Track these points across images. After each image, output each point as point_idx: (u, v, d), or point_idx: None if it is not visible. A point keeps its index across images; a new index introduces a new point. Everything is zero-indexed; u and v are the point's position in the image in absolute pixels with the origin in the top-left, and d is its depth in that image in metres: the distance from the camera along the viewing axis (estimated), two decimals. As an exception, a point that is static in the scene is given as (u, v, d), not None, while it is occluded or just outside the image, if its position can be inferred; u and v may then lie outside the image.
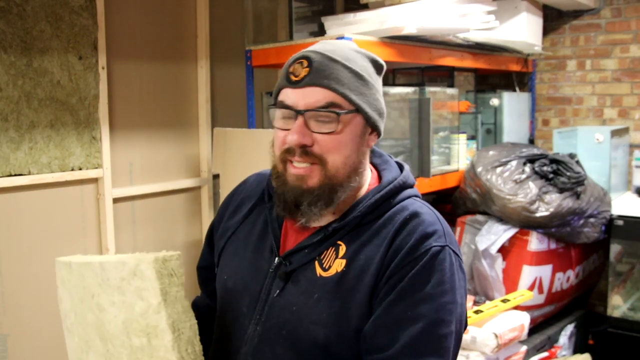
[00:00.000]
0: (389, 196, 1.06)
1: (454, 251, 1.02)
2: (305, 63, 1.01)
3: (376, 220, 1.05)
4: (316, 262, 1.05)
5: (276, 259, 1.09)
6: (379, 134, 1.07)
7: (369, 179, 1.11)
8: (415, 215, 1.03)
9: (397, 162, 1.16)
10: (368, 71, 1.05)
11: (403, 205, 1.06)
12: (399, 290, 0.97)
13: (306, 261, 1.05)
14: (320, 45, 1.05)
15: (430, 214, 1.04)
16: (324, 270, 1.03)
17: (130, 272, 0.99)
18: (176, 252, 1.01)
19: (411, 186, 1.11)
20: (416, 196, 1.10)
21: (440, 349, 0.96)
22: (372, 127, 1.05)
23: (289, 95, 1.03)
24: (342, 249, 1.04)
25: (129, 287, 1.00)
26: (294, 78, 1.02)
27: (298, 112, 1.01)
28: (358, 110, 1.02)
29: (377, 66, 1.08)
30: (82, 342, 1.12)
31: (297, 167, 1.03)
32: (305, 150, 1.01)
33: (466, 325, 1.06)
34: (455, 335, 0.99)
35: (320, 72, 1.00)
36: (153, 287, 0.96)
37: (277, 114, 1.05)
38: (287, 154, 1.03)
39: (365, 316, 0.99)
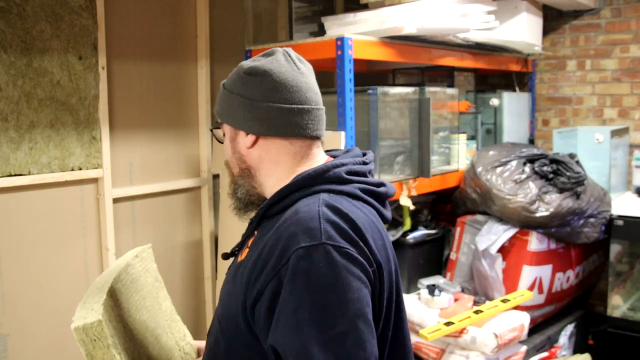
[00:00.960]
0: (294, 189, 1.08)
1: (334, 245, 0.96)
2: None
3: (280, 214, 1.08)
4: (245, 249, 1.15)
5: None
6: (262, 135, 1.13)
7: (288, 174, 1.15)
8: (293, 214, 1.02)
9: (350, 157, 1.15)
10: (230, 85, 1.17)
11: (302, 201, 1.06)
12: (280, 302, 0.97)
13: (240, 247, 1.19)
14: None
15: (308, 212, 1.01)
16: (241, 256, 1.15)
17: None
18: (97, 318, 1.11)
19: (331, 180, 1.08)
20: (333, 191, 1.06)
21: (341, 351, 0.93)
22: (243, 130, 1.15)
23: None
24: (252, 239, 1.14)
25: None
26: None
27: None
28: (222, 122, 1.20)
29: (243, 72, 1.15)
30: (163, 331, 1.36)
31: None
32: None
33: (381, 314, 1.04)
34: (353, 330, 0.94)
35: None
36: (83, 353, 1.14)
37: None
38: None
39: (241, 305, 1.05)
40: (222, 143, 1.22)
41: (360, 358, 0.94)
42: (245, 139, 1.15)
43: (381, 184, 1.16)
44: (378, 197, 1.14)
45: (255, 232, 1.14)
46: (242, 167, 1.17)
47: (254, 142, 1.14)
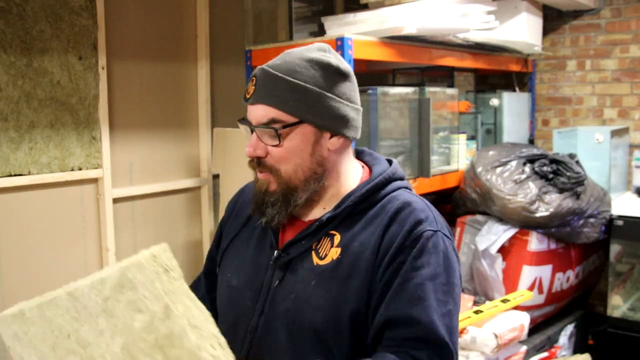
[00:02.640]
0: (379, 187, 1.14)
1: (446, 235, 1.10)
2: (254, 81, 1.11)
3: (368, 210, 1.12)
4: (313, 252, 1.11)
5: (275, 252, 1.15)
6: (346, 137, 1.12)
7: (356, 175, 1.19)
8: (407, 204, 1.10)
9: (387, 159, 1.24)
10: (316, 81, 1.08)
11: (393, 196, 1.13)
12: (403, 273, 1.04)
13: (303, 251, 1.12)
14: (273, 60, 1.12)
15: (420, 203, 1.12)
16: (321, 258, 1.10)
17: (115, 287, 0.86)
18: (162, 244, 0.91)
19: (400, 178, 1.18)
20: (406, 188, 1.18)
21: (451, 325, 1.04)
22: (331, 132, 1.10)
23: (247, 111, 1.14)
24: (337, 238, 1.11)
25: (117, 304, 0.86)
26: (247, 95, 1.12)
27: (251, 128, 1.11)
28: (303, 121, 1.08)
29: (333, 72, 1.10)
30: None
31: (261, 174, 1.13)
32: (259, 161, 1.12)
33: (459, 303, 1.13)
34: (455, 310, 1.07)
35: (262, 89, 1.09)
36: (151, 292, 0.83)
37: (244, 127, 1.15)
38: (251, 163, 1.14)
39: (362, 300, 1.05)
40: (275, 146, 1.08)
41: (454, 336, 1.05)
42: (330, 141, 1.11)
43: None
44: None
45: (335, 232, 1.11)
46: (317, 172, 1.11)
47: (342, 144, 1.12)
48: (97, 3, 2.25)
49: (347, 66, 1.13)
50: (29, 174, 2.13)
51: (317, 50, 1.13)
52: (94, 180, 2.32)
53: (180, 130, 2.65)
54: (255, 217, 1.19)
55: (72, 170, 2.24)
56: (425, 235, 1.06)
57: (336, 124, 1.10)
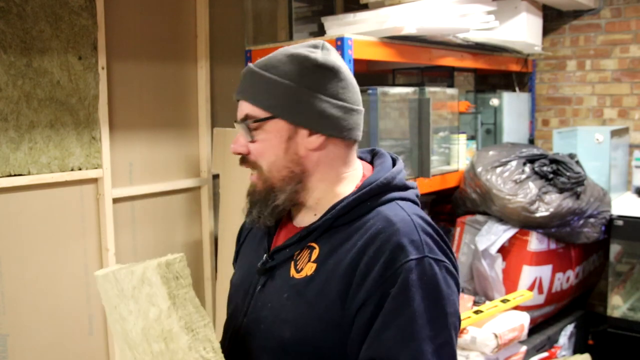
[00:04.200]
0: (366, 198, 1.03)
1: (435, 259, 0.97)
2: (241, 78, 1.09)
3: (351, 223, 1.03)
4: (292, 262, 1.07)
5: (264, 255, 1.13)
6: (329, 135, 1.04)
7: (354, 181, 1.09)
8: (389, 224, 0.99)
9: (392, 157, 1.15)
10: (291, 75, 1.02)
11: (379, 211, 1.02)
12: (386, 312, 0.95)
13: (285, 259, 1.08)
14: (261, 58, 1.09)
15: (405, 222, 0.99)
16: (297, 271, 1.05)
17: (139, 280, 1.00)
18: (180, 254, 1.00)
19: (399, 188, 1.06)
20: (403, 198, 1.06)
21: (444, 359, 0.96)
22: (308, 129, 1.03)
23: None
24: (315, 252, 1.04)
25: (140, 294, 1.00)
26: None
27: (237, 124, 1.08)
28: (274, 116, 1.02)
29: (313, 67, 1.02)
30: (120, 352, 1.15)
31: (252, 176, 1.10)
32: (243, 158, 1.08)
33: (459, 328, 1.04)
34: (449, 341, 0.98)
35: (243, 86, 1.07)
36: (160, 292, 0.96)
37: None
38: (240, 161, 1.10)
39: (332, 322, 0.99)
40: (253, 141, 1.05)
41: None
42: (308, 139, 1.03)
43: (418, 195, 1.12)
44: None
45: (315, 245, 1.05)
46: (294, 171, 1.04)
47: (322, 143, 1.03)
48: (97, 3, 2.25)
49: (336, 63, 1.04)
50: (29, 174, 2.13)
51: (307, 46, 1.08)
52: (94, 180, 2.32)
53: (180, 130, 2.65)
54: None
55: (72, 170, 2.24)
56: (407, 267, 0.95)
57: (313, 121, 1.02)
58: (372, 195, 1.03)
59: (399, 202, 1.04)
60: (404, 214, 1.01)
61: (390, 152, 1.17)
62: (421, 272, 0.95)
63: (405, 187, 1.08)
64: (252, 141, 1.05)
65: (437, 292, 0.96)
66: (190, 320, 0.96)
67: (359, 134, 1.09)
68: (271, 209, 1.07)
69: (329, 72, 1.03)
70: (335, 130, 1.03)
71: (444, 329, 0.96)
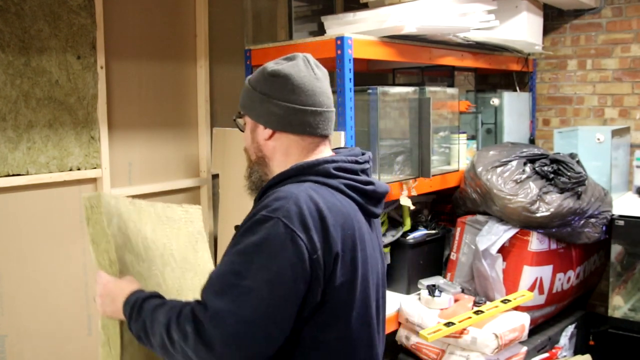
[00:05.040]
0: (286, 177, 1.25)
1: (285, 224, 1.11)
2: None
3: (269, 195, 1.21)
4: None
5: None
6: (275, 129, 1.29)
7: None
8: (278, 192, 1.18)
9: (353, 155, 1.32)
10: (254, 82, 1.32)
11: (285, 185, 1.23)
12: (227, 249, 1.17)
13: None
14: (260, 59, 1.42)
15: (289, 193, 1.16)
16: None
17: (159, 210, 1.63)
18: (98, 193, 1.41)
19: (320, 173, 1.23)
20: (319, 182, 1.22)
21: (224, 292, 1.09)
22: (262, 124, 1.31)
23: None
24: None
25: (157, 217, 1.62)
26: None
27: None
28: (244, 114, 1.36)
29: (267, 75, 1.29)
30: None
31: None
32: None
33: (275, 297, 1.10)
34: (257, 295, 1.08)
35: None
36: (84, 217, 1.38)
37: None
38: None
39: None
40: (242, 131, 1.39)
41: (223, 300, 1.08)
42: (263, 132, 1.31)
43: (369, 183, 1.29)
44: (364, 193, 1.28)
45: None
46: (258, 155, 1.34)
47: (271, 135, 1.30)
48: (96, 2, 2.24)
49: (288, 72, 1.27)
50: (27, 174, 2.12)
51: (282, 58, 1.33)
52: (93, 180, 2.31)
53: (180, 130, 2.64)
54: None
55: (71, 170, 2.23)
56: (258, 218, 1.14)
57: (263, 118, 1.30)
58: (292, 175, 1.25)
59: (310, 183, 1.21)
60: (298, 189, 1.18)
61: (367, 152, 1.37)
62: (264, 225, 1.12)
63: (330, 175, 1.24)
64: (243, 130, 1.38)
65: (266, 246, 1.11)
66: (97, 236, 1.36)
67: (310, 129, 1.29)
68: (250, 182, 1.38)
69: (278, 80, 1.28)
70: (280, 125, 1.28)
71: (255, 277, 1.09)
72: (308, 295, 1.13)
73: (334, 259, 1.15)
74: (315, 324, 1.17)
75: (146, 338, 1.19)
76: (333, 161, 1.25)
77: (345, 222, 1.19)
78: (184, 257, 1.64)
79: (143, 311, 1.19)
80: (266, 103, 1.29)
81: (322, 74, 1.32)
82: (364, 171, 1.31)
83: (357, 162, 1.29)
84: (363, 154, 1.34)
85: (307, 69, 1.29)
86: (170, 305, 1.17)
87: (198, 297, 1.15)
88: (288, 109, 1.27)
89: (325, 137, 1.32)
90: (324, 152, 1.31)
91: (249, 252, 1.11)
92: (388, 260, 2.68)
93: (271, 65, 1.30)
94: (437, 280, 2.70)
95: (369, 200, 1.29)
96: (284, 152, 1.31)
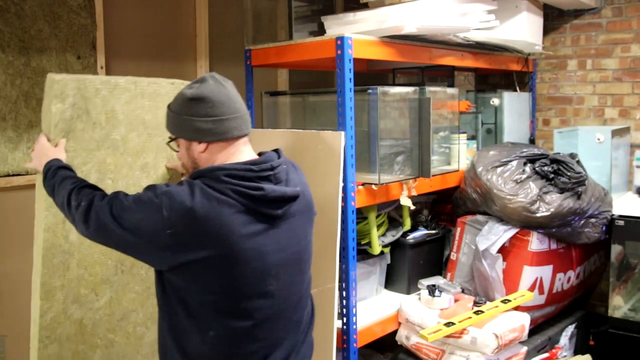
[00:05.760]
0: (192, 177, 1.49)
1: (156, 195, 1.41)
2: None
3: None
4: None
5: None
6: (207, 142, 1.50)
7: None
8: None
9: (254, 163, 1.51)
10: (176, 108, 1.53)
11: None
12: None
13: None
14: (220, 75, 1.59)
15: (172, 187, 1.43)
16: None
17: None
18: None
19: (213, 177, 1.44)
20: (207, 184, 1.43)
21: (115, 203, 1.45)
22: (195, 141, 1.51)
23: None
24: None
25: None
26: None
27: None
28: (177, 137, 1.56)
29: (185, 99, 1.51)
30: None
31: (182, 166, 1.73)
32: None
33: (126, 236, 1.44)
34: (131, 217, 1.42)
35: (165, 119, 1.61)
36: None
37: None
38: None
39: None
40: (177, 152, 1.60)
41: (118, 224, 1.43)
42: (198, 146, 1.51)
43: (259, 188, 1.45)
44: (252, 197, 1.44)
45: None
46: (194, 167, 1.55)
47: (205, 148, 1.51)
48: (96, 2, 2.24)
49: (202, 93, 1.49)
50: (27, 173, 2.12)
51: (192, 82, 1.55)
52: (93, 180, 2.30)
53: (180, 130, 2.63)
54: None
55: (71, 170, 2.23)
56: (154, 185, 1.47)
57: (196, 135, 1.50)
58: (195, 177, 1.48)
59: (201, 184, 1.43)
60: (187, 182, 1.45)
61: (280, 160, 1.56)
62: (146, 190, 1.46)
63: (219, 181, 1.44)
64: (177, 151, 1.60)
65: (141, 200, 1.43)
66: (44, 111, 1.71)
67: (235, 132, 1.51)
68: None
69: (199, 101, 1.49)
70: (211, 137, 1.50)
71: (135, 211, 1.43)
72: (167, 252, 1.42)
73: (195, 242, 1.40)
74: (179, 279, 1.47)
75: (52, 195, 1.59)
76: (225, 169, 1.46)
77: (215, 219, 1.40)
78: (157, 123, 1.90)
79: (56, 176, 1.58)
80: (195, 122, 1.49)
81: (230, 85, 1.56)
82: (265, 177, 1.48)
83: (251, 170, 1.46)
84: (274, 161, 1.53)
85: (217, 86, 1.52)
86: (75, 180, 1.57)
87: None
88: (215, 122, 1.49)
89: (243, 136, 1.54)
90: (244, 152, 1.54)
91: (139, 199, 1.44)
92: (388, 261, 2.68)
93: (188, 91, 1.51)
94: (437, 280, 2.70)
95: (261, 203, 1.45)
96: (213, 159, 1.53)
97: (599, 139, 2.93)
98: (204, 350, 1.46)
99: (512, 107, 3.22)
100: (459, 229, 2.75)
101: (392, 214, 2.69)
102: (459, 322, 2.27)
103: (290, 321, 1.57)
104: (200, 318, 1.45)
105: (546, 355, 2.65)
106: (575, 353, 2.89)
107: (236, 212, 1.41)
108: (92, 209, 1.47)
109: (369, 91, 2.28)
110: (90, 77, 1.76)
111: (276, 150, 1.61)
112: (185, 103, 1.51)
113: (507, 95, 3.19)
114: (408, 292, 2.67)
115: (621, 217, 2.76)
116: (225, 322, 1.45)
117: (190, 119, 1.50)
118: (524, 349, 2.49)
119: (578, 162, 2.78)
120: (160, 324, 1.54)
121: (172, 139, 1.59)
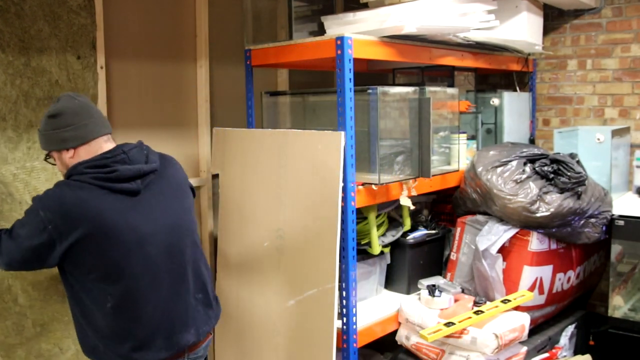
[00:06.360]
0: (65, 176, 1.80)
1: (39, 203, 1.69)
2: None
3: None
4: None
5: None
6: (72, 148, 1.78)
7: None
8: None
9: (111, 154, 1.79)
10: (42, 127, 1.81)
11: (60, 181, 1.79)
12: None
13: None
14: None
15: (45, 191, 1.72)
16: None
17: None
18: None
19: (78, 171, 1.74)
20: (74, 178, 1.73)
21: (13, 234, 1.72)
22: (64, 150, 1.78)
23: None
24: None
25: None
26: None
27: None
28: (50, 151, 1.83)
29: (47, 117, 1.79)
30: None
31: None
32: None
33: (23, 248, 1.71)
34: (21, 241, 1.69)
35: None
36: None
37: None
38: None
39: None
40: (54, 165, 1.84)
41: (15, 250, 1.71)
42: (67, 154, 1.79)
43: (114, 171, 1.73)
44: (110, 179, 1.72)
45: None
46: (67, 170, 1.78)
47: (74, 153, 1.78)
48: (96, 2, 2.24)
49: (55, 109, 1.78)
50: (27, 173, 2.12)
51: (54, 103, 1.82)
52: (93, 180, 2.30)
53: (180, 130, 2.64)
54: None
55: (71, 170, 2.23)
56: (34, 197, 1.73)
57: (64, 145, 1.78)
58: (67, 176, 1.78)
59: (70, 180, 1.74)
60: (56, 183, 1.74)
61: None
62: (33, 202, 1.71)
63: (82, 173, 1.73)
64: (55, 164, 1.86)
65: (27, 218, 1.71)
66: None
67: (94, 134, 1.79)
68: None
69: (55, 117, 1.77)
70: (74, 142, 1.78)
71: (22, 232, 1.70)
72: (56, 244, 1.67)
73: (70, 227, 1.66)
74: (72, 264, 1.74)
75: None
76: (85, 162, 1.75)
77: (89, 205, 1.68)
78: None
79: None
80: (58, 134, 1.76)
81: (83, 98, 1.83)
82: (119, 161, 1.76)
83: (106, 158, 1.75)
84: (125, 146, 1.82)
85: (71, 100, 1.79)
86: None
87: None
88: (74, 129, 1.76)
89: (102, 135, 1.81)
90: (106, 148, 1.80)
91: (24, 218, 1.72)
92: (388, 260, 2.68)
93: (49, 111, 1.79)
94: (437, 280, 2.70)
95: (119, 182, 1.73)
96: (80, 160, 1.78)
97: (599, 139, 2.93)
98: (108, 322, 1.73)
99: (512, 107, 3.22)
100: (458, 229, 2.75)
101: (392, 214, 2.69)
102: (459, 322, 2.27)
103: (181, 285, 1.84)
104: (95, 294, 1.72)
105: (546, 355, 2.65)
106: (575, 353, 2.89)
107: (100, 194, 1.70)
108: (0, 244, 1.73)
109: (369, 91, 2.28)
110: None
111: (139, 143, 1.87)
112: (47, 121, 1.79)
113: (507, 95, 3.19)
114: (408, 292, 2.67)
115: (621, 217, 2.76)
116: (116, 293, 1.71)
117: (54, 133, 1.77)
118: (524, 349, 2.49)
119: (578, 162, 2.78)
120: (73, 312, 1.81)
121: (47, 155, 1.85)
